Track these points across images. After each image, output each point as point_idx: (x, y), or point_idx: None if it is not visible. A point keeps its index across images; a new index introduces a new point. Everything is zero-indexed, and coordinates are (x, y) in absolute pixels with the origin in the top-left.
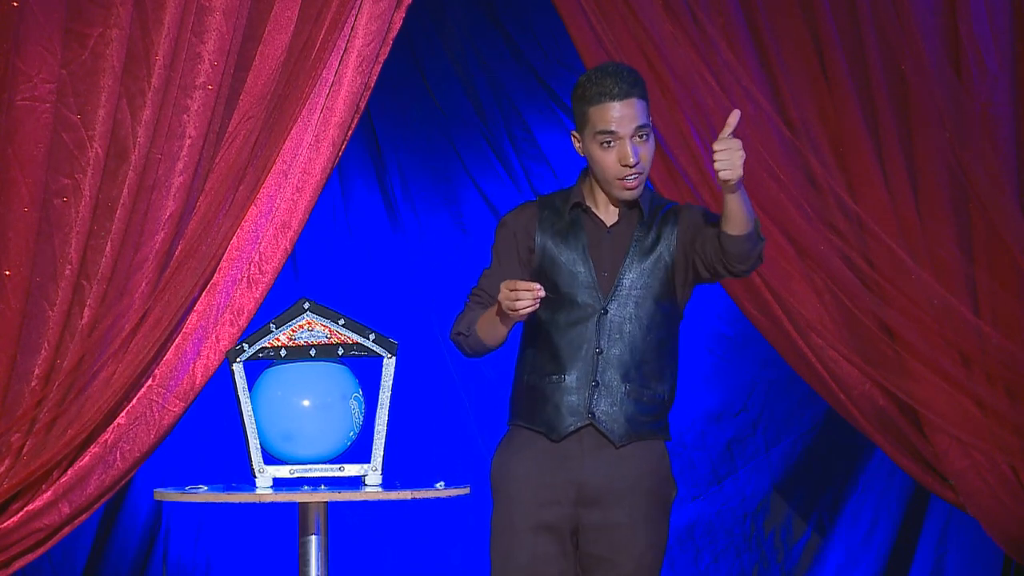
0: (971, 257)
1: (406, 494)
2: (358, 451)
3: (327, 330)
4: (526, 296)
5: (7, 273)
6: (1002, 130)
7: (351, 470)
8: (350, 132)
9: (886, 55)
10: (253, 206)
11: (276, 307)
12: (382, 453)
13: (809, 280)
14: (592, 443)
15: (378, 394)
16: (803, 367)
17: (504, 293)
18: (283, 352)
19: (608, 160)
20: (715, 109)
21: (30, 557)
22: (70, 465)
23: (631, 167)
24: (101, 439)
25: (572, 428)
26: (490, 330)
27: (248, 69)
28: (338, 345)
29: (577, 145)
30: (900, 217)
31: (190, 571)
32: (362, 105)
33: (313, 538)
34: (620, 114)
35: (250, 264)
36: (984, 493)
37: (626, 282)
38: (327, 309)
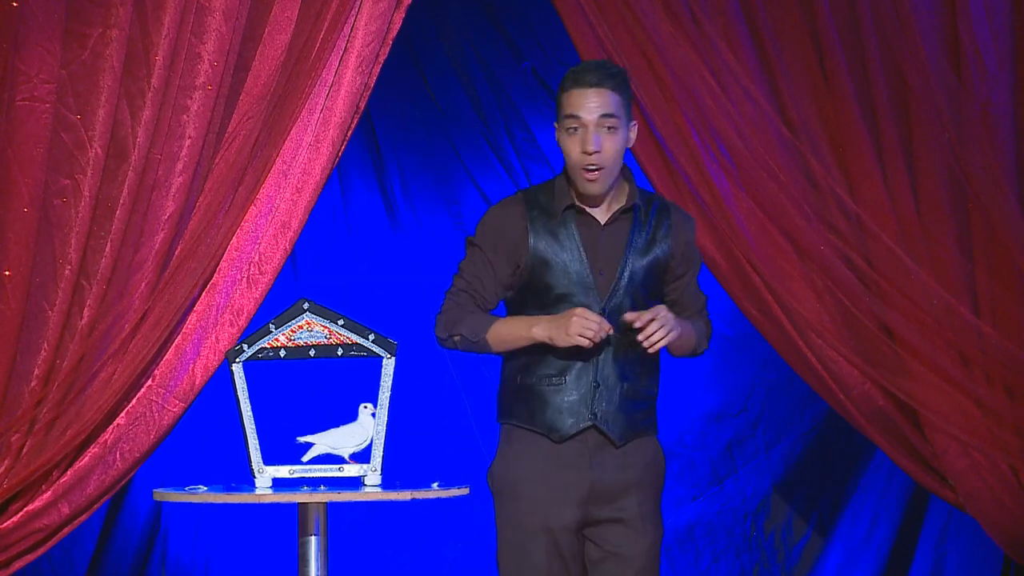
0: (971, 257)
1: (405, 494)
2: (358, 451)
3: (326, 330)
4: (597, 330)
5: (7, 273)
6: (1002, 130)
7: (351, 470)
8: (350, 132)
9: (886, 55)
10: (253, 206)
11: (276, 307)
12: (382, 453)
13: (809, 280)
14: (595, 442)
15: (378, 394)
16: (803, 367)
17: (582, 324)
18: (283, 352)
19: (572, 148)
20: (715, 109)
21: (30, 557)
22: (70, 465)
23: (590, 154)
24: (101, 439)
25: (575, 430)
26: (508, 342)
27: (248, 69)
28: (337, 345)
29: (557, 136)
30: (900, 217)
31: (189, 571)
32: (362, 105)
33: (313, 538)
34: (586, 101)
35: (250, 264)
36: (984, 493)
37: (624, 281)
38: (326, 309)
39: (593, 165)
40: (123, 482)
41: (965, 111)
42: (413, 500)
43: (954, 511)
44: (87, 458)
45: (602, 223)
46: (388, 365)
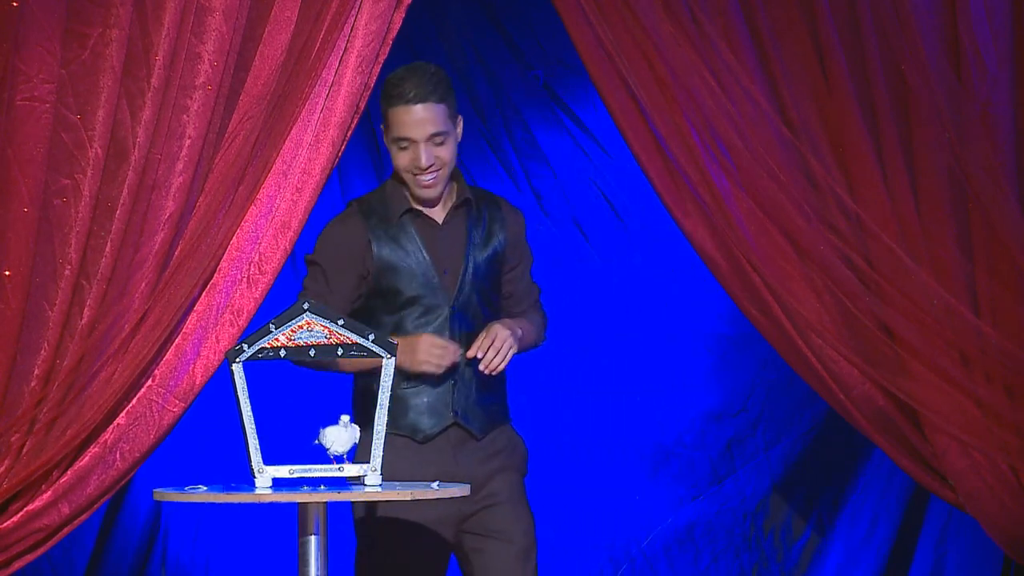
0: (971, 257)
1: (405, 494)
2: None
3: (326, 330)
4: (443, 355)
5: (7, 273)
6: (1002, 130)
7: (351, 470)
8: (350, 132)
9: (886, 55)
10: (253, 206)
11: (276, 307)
12: (381, 453)
13: (809, 280)
14: (457, 438)
15: (377, 394)
16: (803, 367)
17: (429, 351)
18: (283, 352)
19: (402, 160)
20: (715, 109)
21: (30, 557)
22: (70, 465)
23: (424, 170)
24: (101, 439)
25: (438, 429)
26: (358, 365)
27: (248, 69)
28: (337, 345)
29: (385, 138)
30: (900, 217)
31: (189, 571)
32: (362, 105)
33: (313, 538)
34: (413, 119)
35: (250, 264)
36: (984, 493)
37: (468, 277)
38: (327, 309)
39: (428, 176)
40: (123, 482)
41: (965, 111)
42: (413, 500)
43: (954, 511)
44: (87, 458)
45: (440, 222)
46: (388, 365)
